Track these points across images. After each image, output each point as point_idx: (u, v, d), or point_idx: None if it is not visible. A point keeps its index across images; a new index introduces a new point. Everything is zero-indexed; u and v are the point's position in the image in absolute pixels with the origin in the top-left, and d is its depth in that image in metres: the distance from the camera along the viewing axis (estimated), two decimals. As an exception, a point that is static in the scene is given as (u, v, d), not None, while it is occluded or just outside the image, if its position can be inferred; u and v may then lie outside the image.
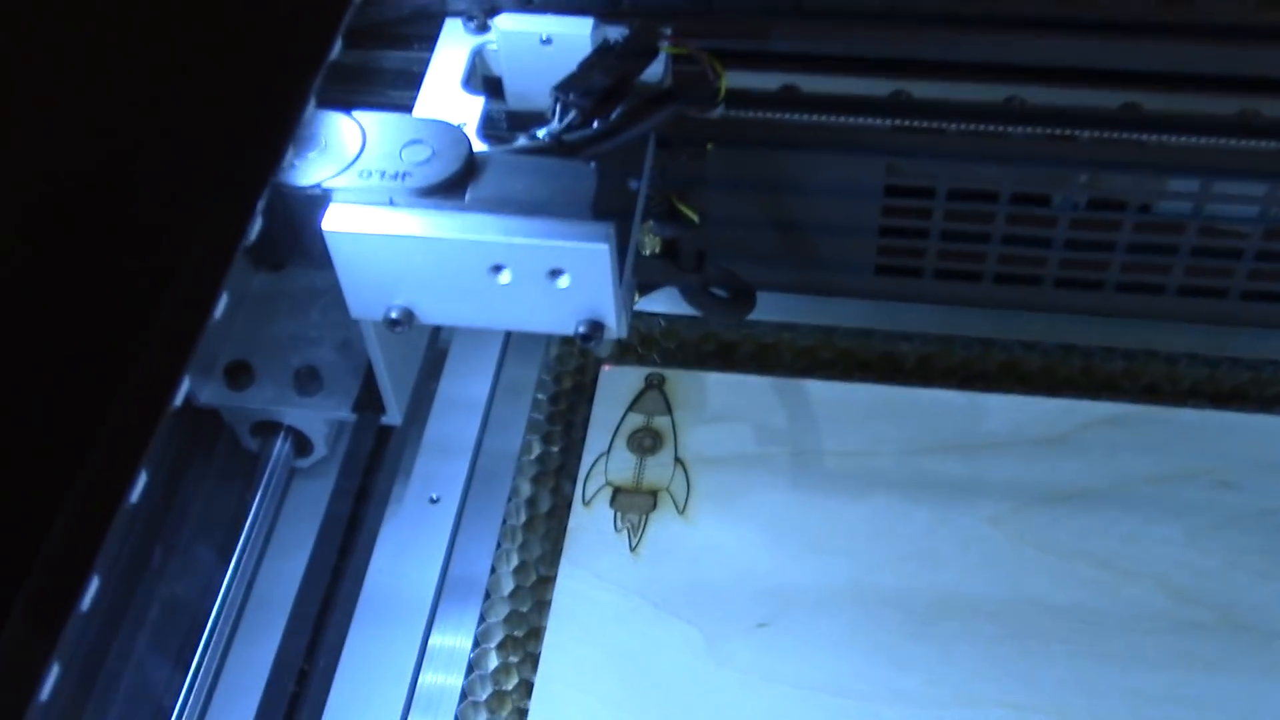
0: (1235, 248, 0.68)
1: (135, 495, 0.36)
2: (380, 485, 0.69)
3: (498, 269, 0.46)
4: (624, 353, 0.74)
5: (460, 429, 0.71)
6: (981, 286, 0.72)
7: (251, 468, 0.66)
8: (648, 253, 0.58)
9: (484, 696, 0.62)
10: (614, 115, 0.49)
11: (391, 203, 0.47)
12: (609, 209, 0.46)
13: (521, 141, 0.49)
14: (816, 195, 0.68)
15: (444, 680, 0.62)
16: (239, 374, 0.65)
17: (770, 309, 0.74)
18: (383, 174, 0.47)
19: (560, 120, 0.48)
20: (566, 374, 0.73)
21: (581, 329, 0.47)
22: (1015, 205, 0.68)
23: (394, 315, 0.48)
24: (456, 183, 0.47)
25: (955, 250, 0.71)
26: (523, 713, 0.60)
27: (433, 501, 0.68)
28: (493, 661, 0.63)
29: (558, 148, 0.48)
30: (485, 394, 0.73)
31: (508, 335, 0.75)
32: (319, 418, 0.66)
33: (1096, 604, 0.61)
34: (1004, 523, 0.65)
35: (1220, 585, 0.62)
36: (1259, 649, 0.59)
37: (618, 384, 0.71)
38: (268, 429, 0.67)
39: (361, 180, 0.47)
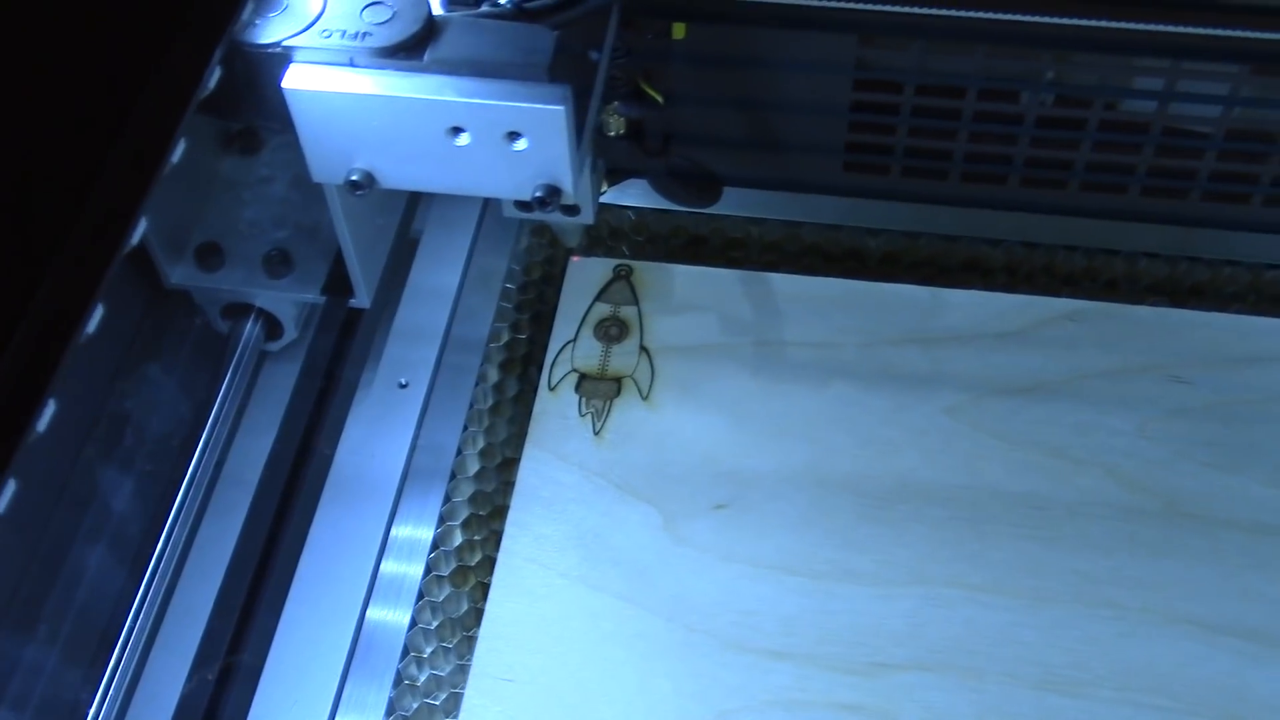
0: (1197, 148, 0.69)
1: (93, 328, 0.37)
2: (350, 370, 0.70)
3: (457, 131, 0.47)
4: (593, 244, 0.74)
5: (430, 316, 0.72)
6: (948, 184, 0.73)
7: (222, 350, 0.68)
8: (613, 134, 0.59)
9: (448, 571, 0.63)
10: (576, -15, 0.49)
11: (352, 63, 0.47)
12: (567, 75, 0.46)
13: (484, 8, 0.49)
14: (786, 86, 0.69)
15: (407, 564, 0.63)
16: (209, 256, 0.66)
17: (740, 204, 0.75)
18: (343, 34, 0.47)
19: (523, -12, 0.49)
20: (536, 264, 0.74)
21: (539, 193, 0.48)
22: (982, 101, 0.69)
23: (355, 178, 0.49)
24: (416, 44, 0.48)
25: (923, 147, 0.72)
26: (485, 586, 0.62)
27: (402, 386, 0.69)
28: (457, 538, 0.64)
29: (519, 15, 0.48)
30: (455, 283, 0.73)
31: (478, 226, 0.76)
32: (288, 300, 0.67)
33: (1047, 491, 0.63)
34: (961, 412, 0.66)
35: (1166, 475, 0.63)
36: (1199, 535, 0.61)
37: (586, 274, 0.72)
38: (238, 311, 0.68)
39: (322, 40, 0.47)
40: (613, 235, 0.75)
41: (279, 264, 0.66)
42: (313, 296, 0.66)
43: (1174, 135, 0.69)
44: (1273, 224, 0.71)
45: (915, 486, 0.63)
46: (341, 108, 0.47)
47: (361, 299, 0.66)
